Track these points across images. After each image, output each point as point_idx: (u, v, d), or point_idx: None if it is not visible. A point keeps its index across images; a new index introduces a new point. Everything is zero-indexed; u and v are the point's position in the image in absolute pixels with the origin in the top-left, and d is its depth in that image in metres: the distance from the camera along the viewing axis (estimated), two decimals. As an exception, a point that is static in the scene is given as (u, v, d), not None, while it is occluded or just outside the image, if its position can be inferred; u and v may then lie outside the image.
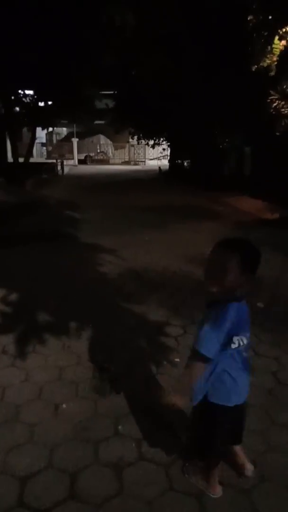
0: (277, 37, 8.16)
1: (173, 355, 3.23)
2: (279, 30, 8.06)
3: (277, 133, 8.71)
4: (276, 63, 8.44)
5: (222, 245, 1.73)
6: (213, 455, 1.98)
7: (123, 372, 2.99)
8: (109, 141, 32.86)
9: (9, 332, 3.57)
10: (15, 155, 16.27)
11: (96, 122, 23.39)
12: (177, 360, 3.15)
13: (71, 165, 27.34)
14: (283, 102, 8.46)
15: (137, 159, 32.41)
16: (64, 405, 2.61)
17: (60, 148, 31.94)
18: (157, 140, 21.43)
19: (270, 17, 7.87)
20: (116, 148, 33.62)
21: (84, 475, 2.09)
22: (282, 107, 8.40)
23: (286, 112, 8.40)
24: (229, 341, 1.74)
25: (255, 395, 2.69)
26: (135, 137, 22.40)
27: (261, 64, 8.56)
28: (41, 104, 16.06)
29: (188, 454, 2.15)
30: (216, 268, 1.70)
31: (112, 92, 18.11)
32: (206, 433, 1.92)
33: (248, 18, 8.20)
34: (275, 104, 8.50)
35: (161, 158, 27.41)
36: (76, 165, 28.67)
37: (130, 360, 3.17)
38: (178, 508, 1.92)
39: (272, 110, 8.51)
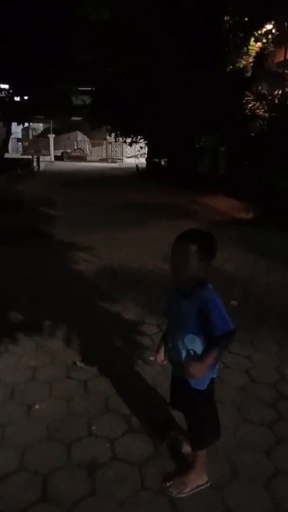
0: (252, 39, 8.29)
1: (148, 354, 3.23)
2: (254, 32, 8.20)
3: (252, 134, 8.85)
4: (251, 64, 8.58)
5: (180, 238, 1.90)
6: (212, 438, 2.05)
7: (97, 371, 2.98)
8: (86, 138, 32.61)
9: (-20, 331, 3.50)
10: (-11, 150, 15.91)
11: (73, 118, 23.12)
12: (152, 358, 3.15)
13: (47, 162, 26.99)
14: (258, 103, 8.60)
15: (115, 157, 32.29)
16: (37, 406, 2.57)
17: (36, 144, 31.50)
18: (134, 138, 21.38)
19: (246, 19, 7.98)
20: (93, 145, 33.38)
21: (57, 476, 2.07)
22: (257, 108, 8.55)
23: (261, 113, 8.55)
24: None
25: (227, 392, 2.74)
26: (113, 134, 22.29)
27: (236, 64, 8.69)
28: (17, 98, 15.73)
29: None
30: (179, 259, 1.87)
31: (89, 88, 17.93)
32: (212, 412, 2.02)
33: (225, 19, 8.30)
34: (250, 105, 8.65)
35: (139, 156, 27.39)
36: (52, 162, 28.31)
37: (105, 359, 3.15)
38: (150, 507, 1.92)
39: (247, 110, 8.65)
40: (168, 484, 2.00)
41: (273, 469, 2.15)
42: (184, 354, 1.93)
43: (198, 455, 2.02)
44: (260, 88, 8.72)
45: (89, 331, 3.60)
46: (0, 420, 2.44)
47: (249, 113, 8.54)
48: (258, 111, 8.45)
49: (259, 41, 8.34)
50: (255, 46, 8.41)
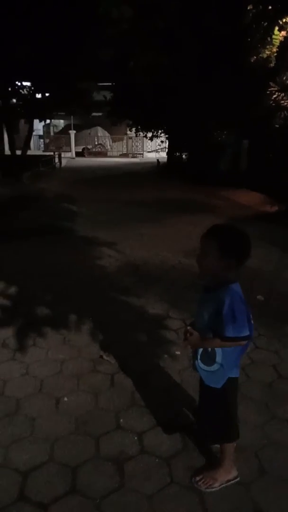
0: (276, 28, 8.10)
1: (173, 348, 3.23)
2: (279, 21, 8.01)
3: (276, 125, 8.67)
4: (275, 54, 8.39)
5: (205, 232, 1.84)
6: (235, 434, 2.02)
7: (124, 365, 2.99)
8: (107, 133, 32.64)
9: (8, 326, 3.57)
10: (12, 147, 16.15)
11: (94, 114, 23.16)
12: (178, 353, 3.15)
13: (68, 158, 27.18)
14: (282, 94, 8.41)
15: (135, 152, 32.24)
16: (65, 399, 2.61)
17: (58, 140, 31.74)
18: (155, 132, 21.28)
19: (270, 7, 7.79)
20: (114, 141, 33.39)
21: (85, 469, 2.09)
22: (282, 99, 8.36)
23: (285, 104, 8.36)
24: (248, 314, 1.82)
25: (255, 388, 2.71)
26: (133, 129, 22.24)
27: (260, 55, 8.52)
28: (39, 96, 15.90)
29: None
30: (200, 254, 1.84)
31: (110, 84, 17.93)
32: (226, 412, 1.97)
33: (248, 8, 8.13)
34: (274, 96, 8.47)
35: (159, 150, 27.26)
36: (73, 158, 28.50)
37: (131, 353, 3.17)
38: (178, 502, 1.92)
39: (271, 102, 8.47)
40: (197, 478, 2.00)
41: (303, 466, 2.12)
42: (201, 349, 1.93)
43: (225, 450, 2.01)
44: (284, 78, 8.53)
45: (114, 326, 3.62)
46: (30, 412, 2.49)
47: (273, 105, 8.37)
48: (282, 102, 8.27)
49: (284, 30, 8.14)
50: (279, 35, 8.21)
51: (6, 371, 2.90)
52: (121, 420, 2.43)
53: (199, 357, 1.95)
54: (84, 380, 2.81)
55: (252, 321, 1.86)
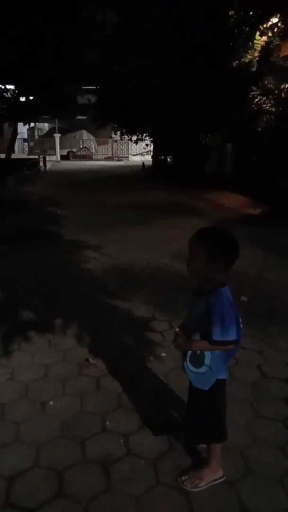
0: (258, 33, 8.23)
1: (159, 350, 3.25)
2: (260, 26, 8.14)
3: (259, 129, 8.80)
4: (257, 58, 8.52)
5: (194, 235, 1.87)
6: (223, 435, 2.04)
7: (110, 368, 2.99)
8: (92, 137, 32.62)
9: (-7, 330, 3.53)
10: (-4, 151, 15.99)
11: (79, 117, 23.17)
12: (164, 355, 3.17)
13: (53, 161, 27.07)
14: (264, 98, 8.55)
15: (120, 155, 32.30)
16: (51, 403, 2.60)
17: (42, 144, 31.58)
18: (140, 135, 21.35)
19: (251, 13, 7.92)
20: (99, 144, 33.40)
21: (72, 473, 2.09)
22: (264, 103, 8.49)
23: (267, 107, 8.49)
24: (237, 319, 1.84)
25: (240, 388, 2.74)
26: (118, 132, 22.28)
27: (242, 59, 8.63)
28: (23, 99, 15.80)
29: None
30: (189, 256, 1.86)
31: (94, 87, 17.94)
32: (215, 413, 1.99)
33: (230, 13, 8.24)
34: (256, 100, 8.59)
35: (144, 154, 27.35)
36: (58, 161, 28.39)
37: (117, 356, 3.17)
38: (166, 503, 1.93)
39: (254, 105, 8.60)
40: (183, 478, 2.01)
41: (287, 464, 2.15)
42: (189, 351, 1.95)
43: (212, 450, 2.03)
44: (266, 82, 8.66)
45: (100, 329, 3.62)
46: (15, 417, 2.47)
47: (255, 108, 8.50)
48: (264, 105, 8.40)
49: (265, 35, 8.29)
50: (260, 40, 8.34)
51: (-10, 376, 2.87)
52: (107, 422, 2.43)
53: (188, 358, 1.97)
54: (70, 384, 2.80)
55: (241, 325, 1.89)
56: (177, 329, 1.99)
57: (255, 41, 8.43)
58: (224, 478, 2.03)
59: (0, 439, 2.29)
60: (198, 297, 1.93)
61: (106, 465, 2.13)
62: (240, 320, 1.89)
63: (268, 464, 2.15)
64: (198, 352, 1.92)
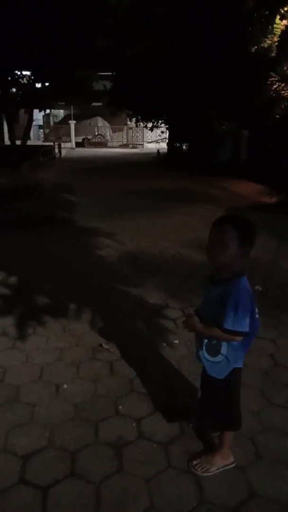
0: (278, 17, 8.00)
1: (171, 336, 3.27)
2: (280, 9, 7.90)
3: (277, 116, 8.61)
4: (276, 43, 8.30)
5: (220, 222, 1.82)
6: (237, 423, 2.05)
7: (123, 353, 3.03)
8: (107, 124, 32.43)
9: (8, 314, 3.60)
10: (11, 137, 16.06)
11: (94, 104, 23.01)
12: (176, 341, 3.19)
13: (68, 148, 27.06)
14: (283, 84, 8.34)
15: (135, 142, 32.08)
16: (65, 386, 2.65)
17: (57, 130, 31.56)
18: (155, 122, 21.15)
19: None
20: (114, 131, 33.20)
21: (84, 454, 2.14)
22: (282, 89, 8.29)
23: (286, 94, 8.30)
24: (253, 311, 1.84)
25: (251, 376, 2.75)
26: (133, 119, 22.09)
27: (261, 45, 8.41)
28: (38, 85, 15.78)
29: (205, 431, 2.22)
30: (216, 244, 1.80)
31: (110, 73, 17.79)
32: (229, 401, 2.00)
33: (249, -4, 8.02)
34: (275, 86, 8.39)
35: (160, 141, 27.11)
36: (73, 148, 28.37)
37: (129, 341, 3.21)
38: (176, 485, 1.97)
39: (272, 92, 8.40)
40: (194, 462, 2.04)
41: (298, 451, 2.17)
42: (206, 340, 1.96)
43: (225, 438, 2.04)
44: (285, 68, 8.45)
45: (113, 315, 3.66)
46: (30, 399, 2.53)
47: (273, 95, 8.30)
48: (283, 92, 8.21)
49: (285, 19, 8.04)
50: (280, 24, 8.10)
51: (6, 359, 2.94)
52: (120, 406, 2.47)
53: (204, 347, 1.96)
54: (84, 368, 2.85)
55: (258, 317, 1.88)
56: (191, 312, 1.98)
57: (274, 25, 8.18)
58: (234, 464, 2.06)
59: (15, 420, 2.35)
60: (214, 285, 1.91)
61: (118, 448, 2.17)
62: (257, 311, 1.88)
63: (278, 450, 2.17)
64: (214, 341, 1.91)
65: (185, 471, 2.04)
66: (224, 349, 1.90)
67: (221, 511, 1.84)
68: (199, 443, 2.21)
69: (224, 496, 1.90)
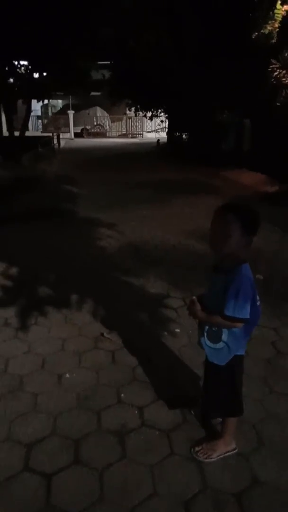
0: (279, 2, 7.87)
1: (173, 325, 3.27)
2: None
3: (278, 104, 8.52)
4: (277, 29, 8.18)
5: (223, 211, 1.81)
6: (239, 409, 2.06)
7: (124, 342, 3.04)
8: (105, 114, 32.14)
9: (11, 305, 3.60)
10: (10, 128, 15.93)
11: (93, 93, 22.77)
12: (178, 330, 3.20)
13: (67, 139, 26.85)
14: (284, 71, 8.24)
15: (135, 132, 31.81)
16: (67, 375, 2.66)
17: (56, 121, 31.28)
18: (155, 112, 20.95)
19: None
20: (113, 121, 32.91)
21: (88, 442, 2.15)
22: (284, 77, 8.19)
23: (287, 81, 8.20)
24: (254, 298, 1.84)
25: (254, 364, 2.75)
26: (133, 109, 21.89)
27: (261, 31, 8.30)
28: (36, 75, 15.60)
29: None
30: (219, 232, 1.79)
31: (108, 62, 17.58)
32: (231, 388, 2.01)
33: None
34: (276, 74, 8.29)
35: (159, 130, 26.90)
36: (72, 139, 28.15)
37: (131, 331, 3.21)
38: (179, 472, 1.98)
39: (273, 79, 8.31)
40: (197, 449, 2.06)
41: (300, 438, 2.18)
42: (207, 327, 1.95)
43: (228, 424, 2.06)
44: (286, 55, 8.34)
45: (115, 305, 3.66)
46: (33, 388, 2.54)
47: (274, 82, 8.21)
48: (284, 79, 8.10)
49: (286, 4, 7.91)
50: (281, 10, 7.97)
51: (9, 349, 2.95)
52: (122, 395, 2.48)
53: (205, 334, 1.97)
54: (86, 357, 2.86)
55: (259, 305, 1.88)
56: (194, 297, 1.97)
57: (275, 11, 8.05)
58: (236, 450, 2.07)
59: (19, 409, 2.36)
60: (217, 274, 1.92)
61: (121, 436, 2.18)
62: (258, 298, 1.88)
63: (280, 438, 2.18)
64: (216, 327, 1.92)
65: (188, 458, 2.05)
66: (225, 336, 1.90)
67: (224, 498, 1.85)
68: (201, 430, 2.22)
69: (227, 483, 1.92)
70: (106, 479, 1.94)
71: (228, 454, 2.05)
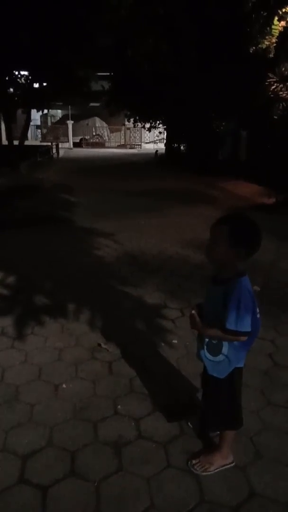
0: (276, 18, 8.01)
1: (170, 336, 3.27)
2: (278, 10, 7.92)
3: (275, 117, 8.63)
4: (274, 44, 8.31)
5: (218, 220, 1.85)
6: (239, 422, 2.05)
7: (121, 353, 3.03)
8: (104, 124, 32.40)
9: (7, 314, 3.59)
10: (9, 137, 16.01)
11: (92, 104, 23.00)
12: (175, 341, 3.19)
13: (66, 148, 27.01)
14: (281, 85, 8.36)
15: (133, 143, 32.05)
16: (64, 385, 2.65)
17: (55, 130, 31.47)
18: (153, 123, 21.14)
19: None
20: (111, 131, 33.17)
21: (84, 453, 2.13)
22: (281, 90, 8.31)
23: (284, 95, 8.32)
24: (254, 310, 1.84)
25: (251, 376, 2.75)
26: (131, 119, 22.08)
27: (259, 45, 8.43)
28: (36, 85, 15.73)
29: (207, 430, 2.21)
30: (210, 241, 1.84)
31: (108, 73, 17.77)
32: (231, 401, 2.00)
33: (248, -2, 8.03)
34: (273, 87, 8.41)
35: (157, 141, 27.11)
36: (71, 148, 28.31)
37: (128, 341, 3.20)
38: (175, 484, 1.97)
39: (270, 93, 8.42)
40: (194, 461, 2.04)
41: (297, 451, 2.17)
42: (207, 339, 1.96)
43: (225, 437, 2.04)
44: (283, 69, 8.47)
45: (112, 315, 3.66)
46: (29, 399, 2.52)
47: (271, 96, 8.33)
48: (281, 93, 8.22)
49: (283, 20, 8.06)
50: (278, 26, 8.12)
51: (5, 359, 2.93)
52: (119, 406, 2.47)
53: (205, 347, 1.96)
54: (82, 368, 2.85)
55: (259, 316, 1.88)
56: (193, 311, 1.94)
57: (273, 26, 8.20)
58: (234, 463, 2.06)
59: (15, 419, 2.35)
60: (215, 285, 1.92)
61: (118, 447, 2.17)
62: (258, 311, 1.88)
63: (277, 450, 2.17)
64: (216, 340, 1.91)
65: (185, 471, 2.04)
66: (225, 349, 1.90)
67: (221, 510, 1.84)
68: (198, 442, 2.21)
69: (224, 496, 1.91)
70: (102, 491, 1.92)
71: (225, 467, 2.03)
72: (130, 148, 30.93)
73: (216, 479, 1.99)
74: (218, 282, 1.91)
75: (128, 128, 31.20)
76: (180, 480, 1.99)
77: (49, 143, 22.67)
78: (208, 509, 1.84)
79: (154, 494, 1.90)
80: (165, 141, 23.02)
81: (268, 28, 8.21)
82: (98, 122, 32.17)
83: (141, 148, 30.61)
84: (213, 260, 1.88)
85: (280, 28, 8.22)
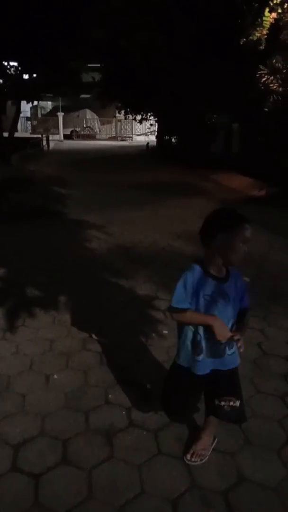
0: (267, 9, 7.99)
1: (161, 327, 3.29)
2: (269, 2, 7.90)
3: (266, 109, 8.64)
4: (265, 36, 8.30)
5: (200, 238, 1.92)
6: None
7: (113, 344, 3.05)
8: (95, 116, 32.14)
9: (-2, 306, 3.59)
10: (-1, 129, 15.82)
11: (82, 96, 22.75)
12: (165, 332, 3.22)
13: (56, 140, 26.77)
14: (272, 77, 8.36)
15: (124, 135, 31.87)
16: (55, 376, 2.66)
17: (45, 122, 31.16)
18: (144, 115, 21.03)
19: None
20: (102, 123, 32.94)
21: (76, 442, 2.15)
22: (271, 82, 8.32)
23: (275, 87, 8.32)
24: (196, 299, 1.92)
25: (241, 365, 2.76)
26: (122, 111, 21.94)
27: (250, 37, 8.41)
28: (26, 76, 15.52)
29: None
30: (218, 252, 1.88)
31: (99, 65, 17.60)
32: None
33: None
34: (264, 79, 8.41)
35: (149, 134, 26.99)
36: (61, 140, 28.07)
37: (120, 332, 3.22)
38: (166, 471, 2.00)
39: (261, 85, 8.42)
40: (189, 456, 2.05)
41: (286, 437, 2.21)
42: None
43: (212, 421, 2.07)
44: (274, 61, 8.46)
45: (104, 306, 3.67)
46: (20, 389, 2.53)
47: (262, 88, 8.33)
48: (272, 85, 8.22)
49: (274, 11, 8.04)
50: (269, 17, 8.09)
51: (-4, 350, 2.94)
52: (110, 395, 2.49)
53: (227, 348, 1.91)
54: (74, 358, 2.86)
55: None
56: (229, 334, 1.84)
57: (264, 18, 8.17)
58: (216, 438, 2.11)
59: (7, 410, 2.36)
60: (223, 284, 1.88)
61: (109, 436, 2.19)
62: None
63: (266, 437, 2.21)
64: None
65: (175, 457, 2.07)
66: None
67: (211, 496, 1.88)
68: (188, 429, 2.24)
69: (214, 481, 1.94)
70: (94, 478, 1.95)
71: (213, 445, 2.11)
72: (121, 140, 30.74)
73: (206, 465, 2.02)
74: (222, 280, 1.89)
75: (119, 120, 30.99)
76: (171, 466, 2.02)
77: (39, 135, 22.44)
78: (198, 495, 1.88)
79: (145, 481, 1.93)
80: (156, 133, 22.93)
81: (259, 20, 8.18)
82: (89, 114, 31.89)
83: (132, 140, 30.45)
84: (236, 261, 1.84)
85: (271, 20, 8.20)
